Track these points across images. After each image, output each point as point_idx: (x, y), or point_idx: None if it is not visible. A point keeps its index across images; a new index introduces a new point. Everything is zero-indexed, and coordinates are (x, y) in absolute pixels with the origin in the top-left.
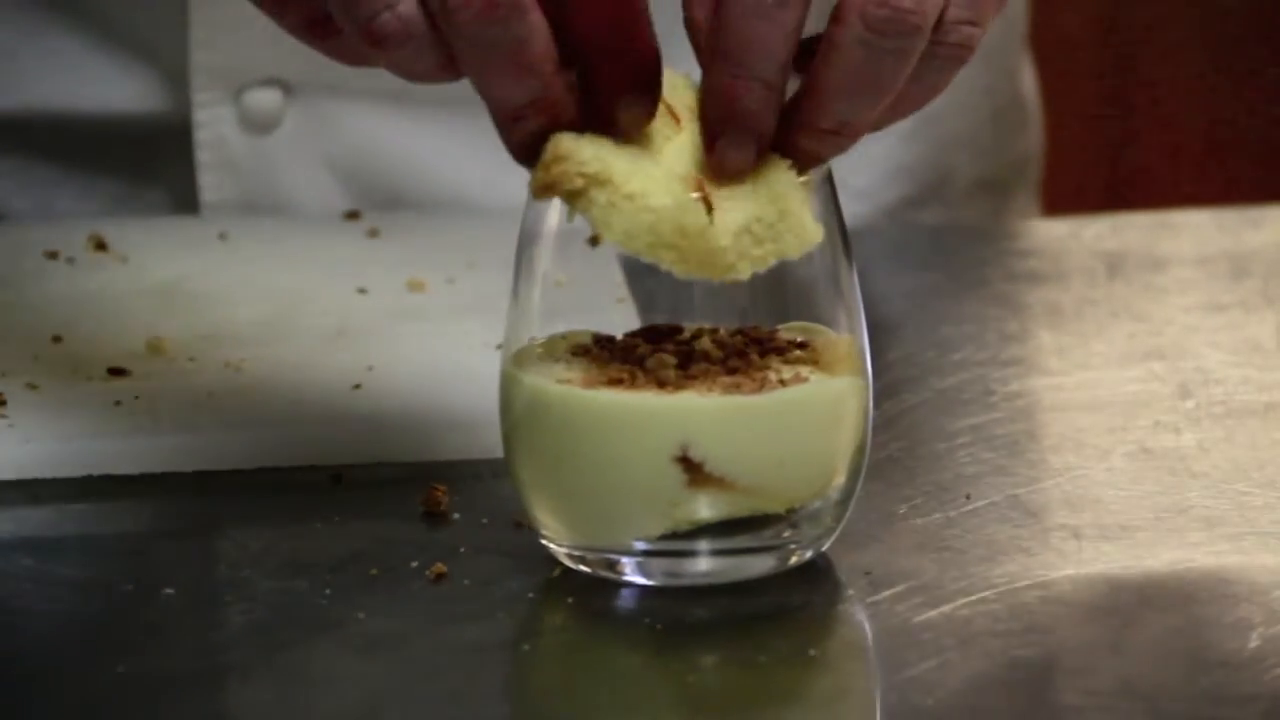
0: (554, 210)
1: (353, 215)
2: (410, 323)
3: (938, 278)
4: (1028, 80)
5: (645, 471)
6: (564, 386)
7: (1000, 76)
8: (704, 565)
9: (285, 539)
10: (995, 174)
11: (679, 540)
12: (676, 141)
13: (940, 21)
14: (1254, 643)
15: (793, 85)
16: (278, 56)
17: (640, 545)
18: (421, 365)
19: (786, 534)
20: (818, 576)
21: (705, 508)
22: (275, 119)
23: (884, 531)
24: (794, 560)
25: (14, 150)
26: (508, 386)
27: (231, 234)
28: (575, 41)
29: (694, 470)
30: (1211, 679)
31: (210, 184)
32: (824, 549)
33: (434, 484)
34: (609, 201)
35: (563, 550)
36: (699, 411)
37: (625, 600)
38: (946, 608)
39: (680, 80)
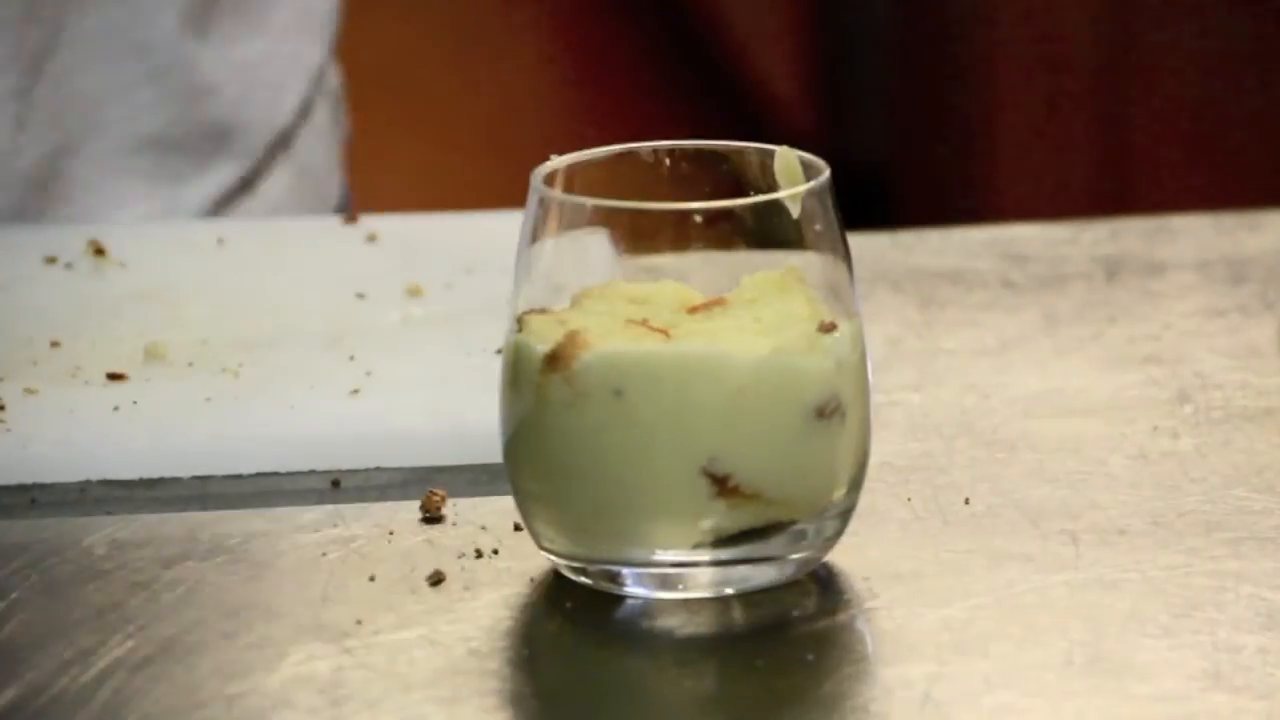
0: (553, 215)
1: (351, 219)
2: (409, 328)
3: (935, 281)
4: None
5: (671, 484)
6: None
7: None
8: (706, 577)
9: (283, 544)
10: None
11: (681, 552)
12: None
13: None
14: (1252, 647)
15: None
16: None
17: (643, 557)
18: (420, 370)
19: (788, 545)
20: (815, 581)
21: (730, 520)
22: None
23: (882, 536)
24: (795, 570)
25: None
26: (510, 391)
27: (229, 239)
28: None
29: (720, 483)
30: (1210, 682)
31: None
32: (824, 559)
33: (432, 489)
34: None
35: (562, 562)
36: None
37: (624, 606)
38: (944, 612)
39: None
